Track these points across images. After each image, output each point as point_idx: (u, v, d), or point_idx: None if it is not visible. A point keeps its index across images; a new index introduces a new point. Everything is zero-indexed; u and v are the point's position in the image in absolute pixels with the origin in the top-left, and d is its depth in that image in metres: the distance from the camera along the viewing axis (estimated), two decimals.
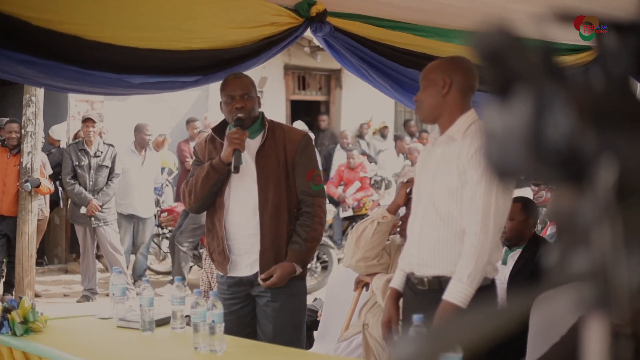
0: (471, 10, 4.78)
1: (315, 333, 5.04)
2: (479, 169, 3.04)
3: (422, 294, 3.21)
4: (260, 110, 4.10)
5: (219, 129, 4.14)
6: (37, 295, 8.48)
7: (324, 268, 9.31)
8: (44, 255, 10.62)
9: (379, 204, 11.14)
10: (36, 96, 8.21)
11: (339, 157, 12.53)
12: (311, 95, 14.75)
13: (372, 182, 11.26)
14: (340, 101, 14.82)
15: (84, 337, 3.84)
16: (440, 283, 3.13)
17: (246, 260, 4.04)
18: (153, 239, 9.84)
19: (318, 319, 5.02)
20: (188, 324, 3.70)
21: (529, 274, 4.34)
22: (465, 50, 5.27)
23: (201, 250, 9.51)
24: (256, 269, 4.02)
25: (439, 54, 5.10)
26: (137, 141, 9.46)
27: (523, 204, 4.52)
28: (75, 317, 4.28)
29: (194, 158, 4.24)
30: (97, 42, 3.92)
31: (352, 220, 11.33)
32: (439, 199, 3.15)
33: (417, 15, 4.98)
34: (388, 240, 4.12)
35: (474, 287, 3.00)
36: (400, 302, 3.36)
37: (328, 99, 14.88)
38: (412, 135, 14.53)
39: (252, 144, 4.02)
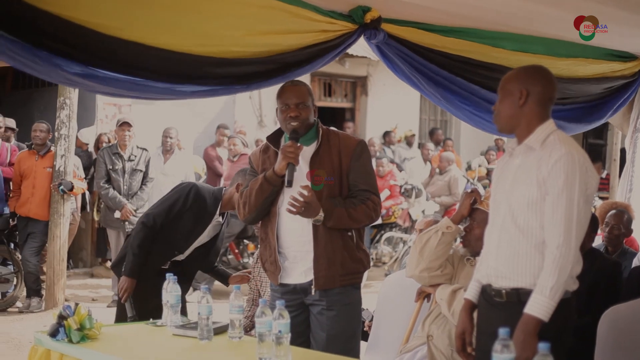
0: (522, 16, 4.80)
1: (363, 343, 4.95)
2: (559, 179, 2.99)
3: (500, 306, 3.16)
4: (315, 118, 4.05)
5: (274, 138, 4.10)
6: (65, 300, 8.42)
7: None
8: (69, 259, 10.56)
9: (408, 213, 11.06)
10: (70, 99, 8.15)
11: None
12: (337, 102, 14.70)
13: (403, 190, 11.19)
14: (366, 108, 14.77)
15: (141, 345, 3.79)
16: (518, 295, 3.08)
17: (300, 267, 4.00)
18: None
19: (365, 329, 4.94)
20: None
21: (587, 287, 4.26)
22: (514, 55, 5.26)
23: (230, 257, 9.45)
24: (310, 276, 3.97)
25: (490, 60, 5.12)
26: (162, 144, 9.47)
27: (591, 217, 4.45)
28: (129, 324, 4.23)
29: (249, 168, 4.17)
30: (155, 49, 3.92)
31: (380, 228, 11.23)
32: (518, 210, 3.10)
33: (471, 23, 4.96)
34: (451, 250, 4.06)
35: (556, 301, 2.96)
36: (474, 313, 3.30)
37: (353, 106, 14.83)
38: (437, 143, 14.45)
39: (307, 151, 3.98)
